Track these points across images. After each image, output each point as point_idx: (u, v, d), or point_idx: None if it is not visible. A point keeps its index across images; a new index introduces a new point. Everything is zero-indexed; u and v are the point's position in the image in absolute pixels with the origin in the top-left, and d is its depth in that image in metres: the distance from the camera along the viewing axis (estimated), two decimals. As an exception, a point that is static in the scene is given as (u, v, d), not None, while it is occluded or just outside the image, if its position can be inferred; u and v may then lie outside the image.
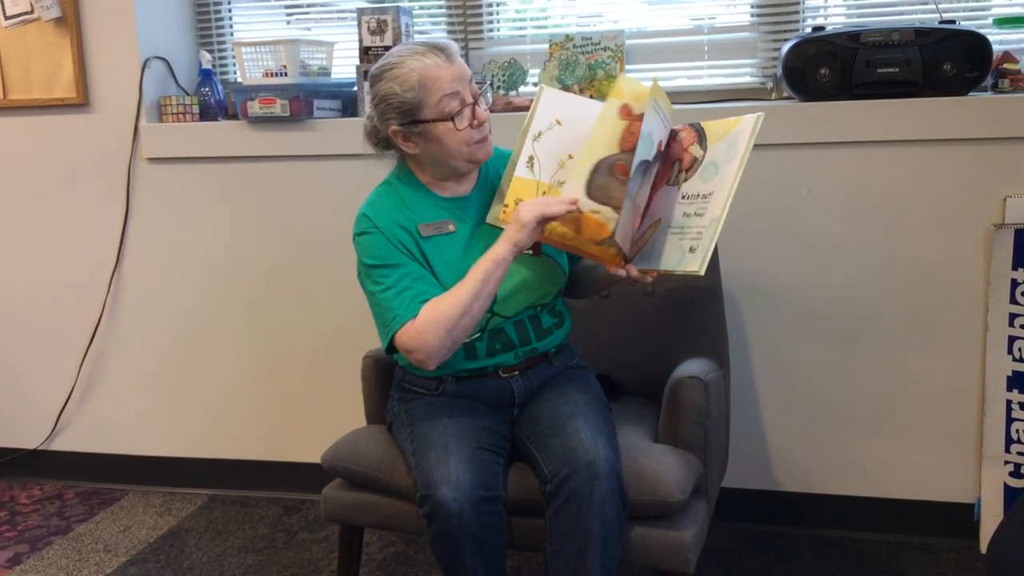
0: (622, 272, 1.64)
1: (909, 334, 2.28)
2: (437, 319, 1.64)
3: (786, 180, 2.29)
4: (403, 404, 1.87)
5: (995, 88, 2.23)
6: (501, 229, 1.69)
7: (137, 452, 2.89)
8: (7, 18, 2.72)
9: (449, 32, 2.66)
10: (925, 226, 2.23)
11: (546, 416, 1.75)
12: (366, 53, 2.53)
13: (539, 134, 1.72)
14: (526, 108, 2.42)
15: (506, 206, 1.72)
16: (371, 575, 2.28)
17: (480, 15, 2.62)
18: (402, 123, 1.71)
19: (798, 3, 2.41)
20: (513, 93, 2.52)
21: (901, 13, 2.37)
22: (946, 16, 2.30)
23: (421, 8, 2.66)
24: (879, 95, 2.17)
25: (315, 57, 2.60)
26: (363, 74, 2.51)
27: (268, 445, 2.79)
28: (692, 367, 1.87)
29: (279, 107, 2.50)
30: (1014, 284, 2.18)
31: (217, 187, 2.68)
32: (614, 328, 2.16)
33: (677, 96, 2.50)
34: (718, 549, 2.33)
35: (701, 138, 1.66)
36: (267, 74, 2.53)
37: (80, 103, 2.71)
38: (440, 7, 2.65)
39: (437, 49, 1.70)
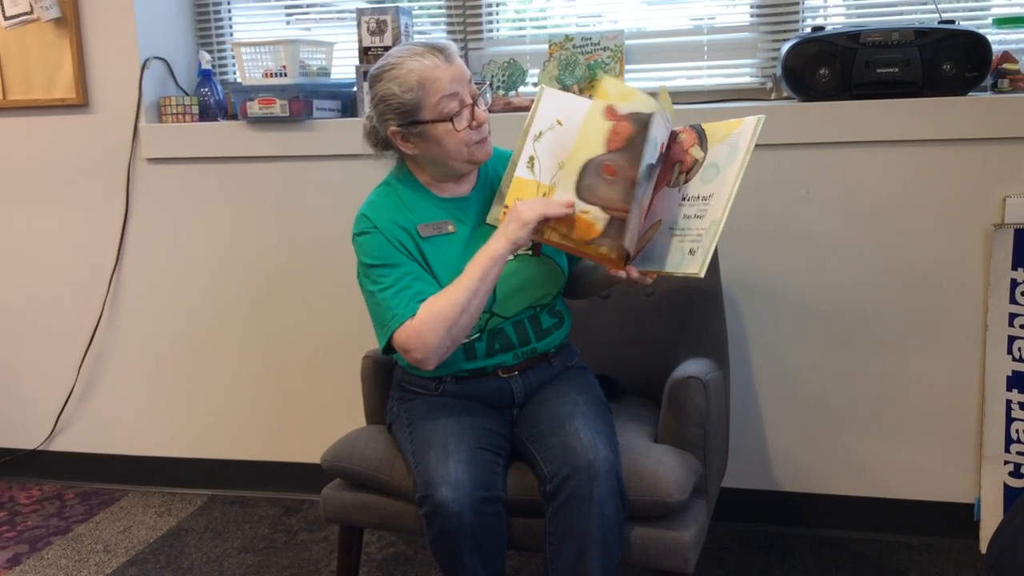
0: (622, 273, 1.64)
1: (909, 334, 2.28)
2: (436, 317, 1.64)
3: (786, 180, 2.29)
4: (403, 404, 1.87)
5: (994, 88, 2.23)
6: None
7: (137, 452, 2.89)
8: (7, 18, 2.72)
9: (449, 32, 2.66)
10: (925, 226, 2.23)
11: (546, 416, 1.75)
12: (366, 53, 2.53)
13: (540, 134, 1.72)
14: (526, 108, 2.42)
15: (506, 206, 1.72)
16: (371, 575, 2.28)
17: (480, 15, 2.62)
18: (401, 124, 1.71)
19: (798, 3, 2.41)
20: (513, 93, 2.52)
21: (901, 13, 2.37)
22: (945, 16, 2.30)
23: (421, 8, 2.66)
24: (879, 95, 2.17)
25: (315, 57, 2.60)
26: (362, 74, 2.51)
27: (268, 445, 2.79)
28: (692, 367, 1.87)
29: (279, 107, 2.50)
30: (1014, 284, 2.18)
31: (217, 187, 2.68)
32: (614, 328, 2.16)
33: (677, 96, 2.50)
34: (718, 549, 2.33)
35: (702, 140, 1.66)
36: (267, 74, 2.53)
37: (80, 103, 2.71)
38: (440, 7, 2.65)
39: (436, 50, 1.70)
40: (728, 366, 2.13)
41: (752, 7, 2.46)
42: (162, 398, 2.84)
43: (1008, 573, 1.52)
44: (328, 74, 2.65)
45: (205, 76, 2.72)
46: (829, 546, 2.33)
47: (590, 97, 2.35)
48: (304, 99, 2.51)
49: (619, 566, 1.67)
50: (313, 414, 2.73)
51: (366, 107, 1.81)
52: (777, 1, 2.43)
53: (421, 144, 1.73)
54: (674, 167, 1.68)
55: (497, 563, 1.68)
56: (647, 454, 1.74)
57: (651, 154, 1.60)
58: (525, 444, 1.75)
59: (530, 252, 1.80)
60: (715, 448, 1.89)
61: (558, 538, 1.62)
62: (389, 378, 1.99)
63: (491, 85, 2.49)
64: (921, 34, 2.12)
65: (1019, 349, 2.19)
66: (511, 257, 1.76)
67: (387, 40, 2.50)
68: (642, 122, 1.61)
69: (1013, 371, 2.20)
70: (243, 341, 2.75)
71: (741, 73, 2.49)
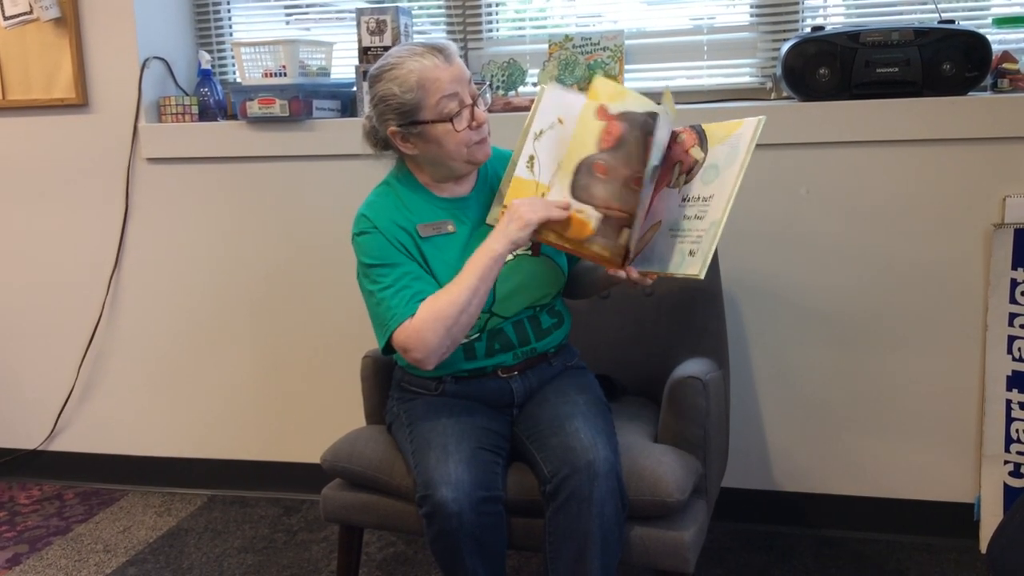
0: (621, 273, 1.64)
1: (909, 334, 2.28)
2: (436, 317, 1.63)
3: (785, 180, 2.29)
4: (402, 404, 1.87)
5: (994, 88, 2.23)
6: None
7: (137, 452, 2.89)
8: (6, 18, 2.72)
9: (448, 32, 2.66)
10: (925, 226, 2.23)
11: (545, 416, 1.75)
12: (365, 53, 2.53)
13: (540, 132, 1.72)
14: (525, 108, 2.42)
15: (506, 207, 1.72)
16: (371, 575, 2.28)
17: (479, 15, 2.62)
18: (401, 124, 1.71)
19: (797, 3, 2.41)
20: (512, 93, 2.51)
21: (900, 13, 2.37)
22: (945, 16, 2.30)
23: (420, 8, 2.66)
24: (878, 95, 2.17)
25: (314, 57, 2.60)
26: (362, 74, 2.51)
27: (268, 445, 2.79)
28: (692, 367, 1.87)
29: (278, 107, 2.50)
30: (1014, 284, 2.18)
31: (216, 187, 2.68)
32: (614, 328, 2.16)
33: (677, 96, 2.50)
34: (718, 549, 2.33)
35: (702, 140, 1.66)
36: (266, 74, 2.53)
37: (79, 103, 2.71)
38: (439, 7, 2.65)
39: (436, 50, 1.69)
40: (728, 366, 2.13)
41: (752, 7, 2.46)
42: (162, 398, 2.84)
43: (1008, 573, 1.52)
44: (328, 74, 2.65)
45: (205, 76, 2.72)
46: (829, 546, 2.33)
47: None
48: (304, 99, 2.51)
49: (619, 566, 1.67)
50: (313, 414, 2.73)
51: (366, 107, 1.81)
52: (777, 1, 2.42)
53: (421, 144, 1.73)
54: (674, 167, 1.68)
55: (497, 563, 1.68)
56: (647, 454, 1.74)
57: (656, 156, 1.61)
58: (525, 444, 1.75)
59: (529, 252, 1.80)
60: (715, 448, 1.89)
61: (558, 538, 1.62)
62: (389, 378, 1.99)
63: (491, 85, 2.49)
64: (921, 34, 2.12)
65: (1019, 349, 2.19)
66: (510, 257, 1.76)
67: (387, 40, 2.50)
68: (633, 121, 1.62)
69: (1013, 371, 2.20)
70: (243, 341, 2.75)
71: (741, 73, 2.49)
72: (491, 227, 1.75)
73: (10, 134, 2.80)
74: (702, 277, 1.56)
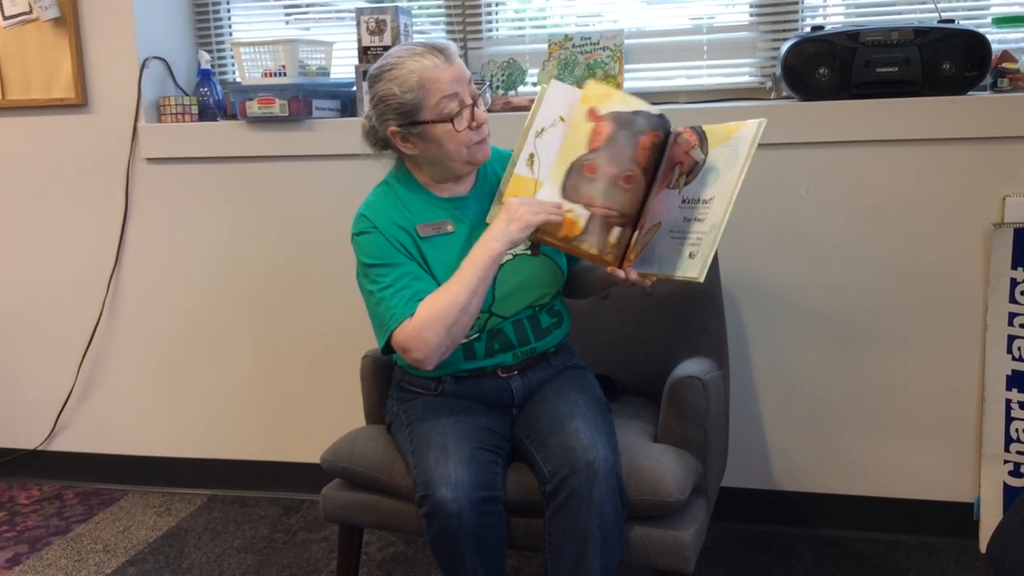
0: (620, 274, 1.65)
1: (909, 333, 2.28)
2: (436, 316, 1.63)
3: (785, 180, 2.29)
4: (402, 404, 1.87)
5: (994, 87, 2.23)
6: None
7: (136, 452, 2.89)
8: (6, 18, 2.72)
9: (448, 32, 2.66)
10: (924, 225, 2.23)
11: (545, 416, 1.75)
12: (365, 53, 2.53)
13: (542, 130, 1.73)
14: (525, 108, 2.42)
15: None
16: (371, 575, 2.28)
17: (479, 15, 2.62)
18: (401, 124, 1.71)
19: (797, 3, 2.41)
20: (512, 93, 2.51)
21: (900, 12, 2.37)
22: (945, 15, 2.30)
23: (420, 8, 2.66)
24: (878, 94, 2.17)
25: (314, 57, 2.60)
26: (362, 74, 2.51)
27: (267, 445, 2.79)
28: (692, 367, 1.86)
29: (278, 107, 2.50)
30: (1013, 283, 2.18)
31: (216, 187, 2.68)
32: (614, 328, 2.16)
33: (677, 96, 2.51)
34: (718, 549, 2.33)
35: (702, 141, 1.66)
36: (266, 74, 2.53)
37: (79, 103, 2.71)
38: (439, 7, 2.65)
39: (436, 50, 1.69)
40: (728, 366, 2.13)
41: (751, 6, 2.46)
42: (162, 398, 2.84)
43: (1008, 572, 1.52)
44: (327, 74, 2.65)
45: (204, 76, 2.72)
46: (829, 546, 2.33)
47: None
48: (303, 99, 2.51)
49: (619, 566, 1.66)
50: (313, 414, 2.73)
51: (365, 107, 1.81)
52: (776, 0, 2.42)
53: (421, 144, 1.73)
54: (674, 168, 1.68)
55: (497, 563, 1.68)
56: (647, 454, 1.74)
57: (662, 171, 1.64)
58: (525, 444, 1.75)
59: (529, 252, 1.80)
60: (715, 448, 1.89)
61: (558, 538, 1.62)
62: (389, 378, 1.99)
63: (490, 85, 2.49)
64: (920, 33, 2.12)
65: (1019, 348, 2.19)
66: (509, 256, 1.77)
67: (386, 40, 2.49)
68: (621, 120, 1.66)
69: (1013, 370, 2.20)
70: (243, 341, 2.75)
71: (741, 73, 2.49)
72: None
73: (10, 134, 2.80)
74: (702, 280, 1.56)
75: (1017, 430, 2.21)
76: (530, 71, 2.56)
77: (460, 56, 1.74)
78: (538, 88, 2.49)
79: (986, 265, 2.20)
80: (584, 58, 2.45)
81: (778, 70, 2.26)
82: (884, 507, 2.36)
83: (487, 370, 1.82)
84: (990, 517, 2.24)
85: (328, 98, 2.60)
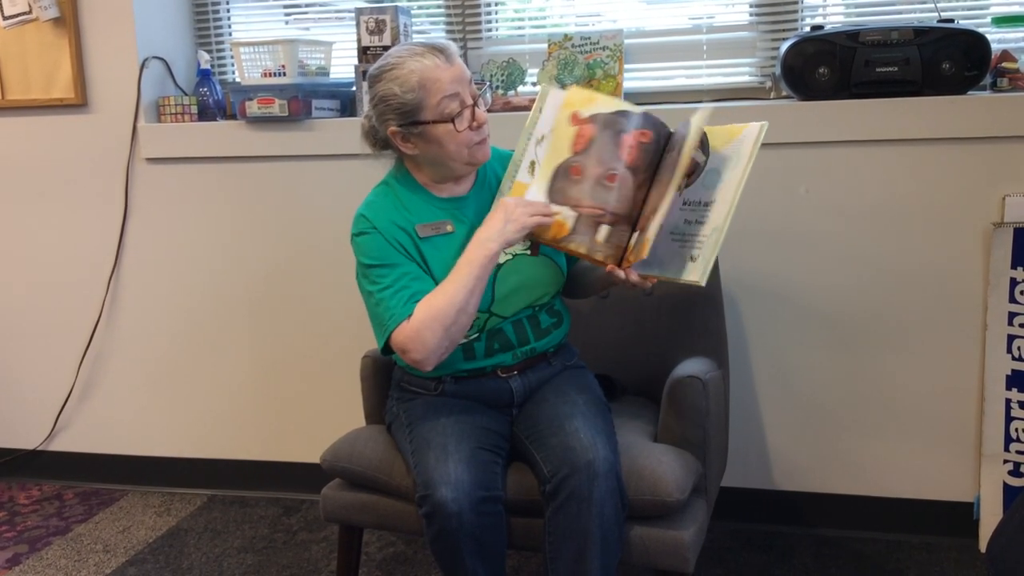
0: (621, 274, 1.65)
1: (908, 333, 2.28)
2: (434, 316, 1.63)
3: (785, 179, 2.29)
4: (402, 404, 1.87)
5: (994, 87, 2.23)
6: None
7: (136, 452, 2.89)
8: (5, 18, 2.72)
9: (448, 32, 2.66)
10: (924, 225, 2.23)
11: (545, 416, 1.75)
12: (364, 53, 2.53)
13: (542, 138, 1.74)
14: (525, 108, 2.42)
15: None
16: (371, 575, 2.28)
17: (479, 15, 2.62)
18: (401, 124, 1.71)
19: (797, 2, 2.41)
20: (512, 93, 2.51)
21: (900, 12, 2.37)
22: (944, 15, 2.30)
23: (420, 8, 2.66)
24: (878, 94, 2.17)
25: (313, 57, 2.60)
26: (361, 74, 2.51)
27: (267, 445, 2.79)
28: (691, 366, 1.87)
29: (277, 107, 2.50)
30: (1013, 283, 2.18)
31: (216, 187, 2.68)
32: (614, 328, 2.16)
33: (676, 96, 2.51)
34: (718, 549, 2.33)
35: (703, 143, 1.66)
36: (265, 74, 2.53)
37: (78, 103, 2.71)
38: (438, 7, 2.65)
39: (437, 50, 1.69)
40: (728, 366, 2.13)
41: (751, 6, 2.46)
42: (162, 398, 2.84)
43: (1008, 571, 1.52)
44: (327, 74, 2.65)
45: (204, 76, 2.72)
46: (829, 546, 2.33)
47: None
48: (303, 99, 2.51)
49: (619, 566, 1.67)
50: (313, 414, 2.73)
51: (365, 107, 1.81)
52: (776, 0, 2.42)
53: (421, 144, 1.73)
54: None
55: (497, 563, 1.68)
56: (647, 454, 1.74)
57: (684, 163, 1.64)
58: (525, 444, 1.75)
59: (528, 252, 1.80)
60: (715, 447, 1.89)
61: (558, 538, 1.62)
62: (388, 378, 1.99)
63: (490, 85, 2.49)
64: (920, 33, 2.12)
65: (1018, 348, 2.19)
66: (509, 256, 1.77)
67: (386, 40, 2.49)
68: (603, 121, 1.69)
69: (1012, 370, 2.20)
70: (242, 341, 2.75)
71: (740, 72, 2.49)
72: None
73: (9, 134, 2.80)
74: (703, 284, 1.56)
75: (1017, 430, 2.21)
76: (530, 71, 2.56)
77: (460, 56, 1.74)
78: (538, 88, 2.49)
79: (986, 265, 2.20)
80: (584, 58, 2.45)
81: (778, 70, 2.26)
82: (884, 507, 2.36)
83: (487, 370, 1.82)
84: (990, 517, 2.24)
85: (328, 98, 2.60)
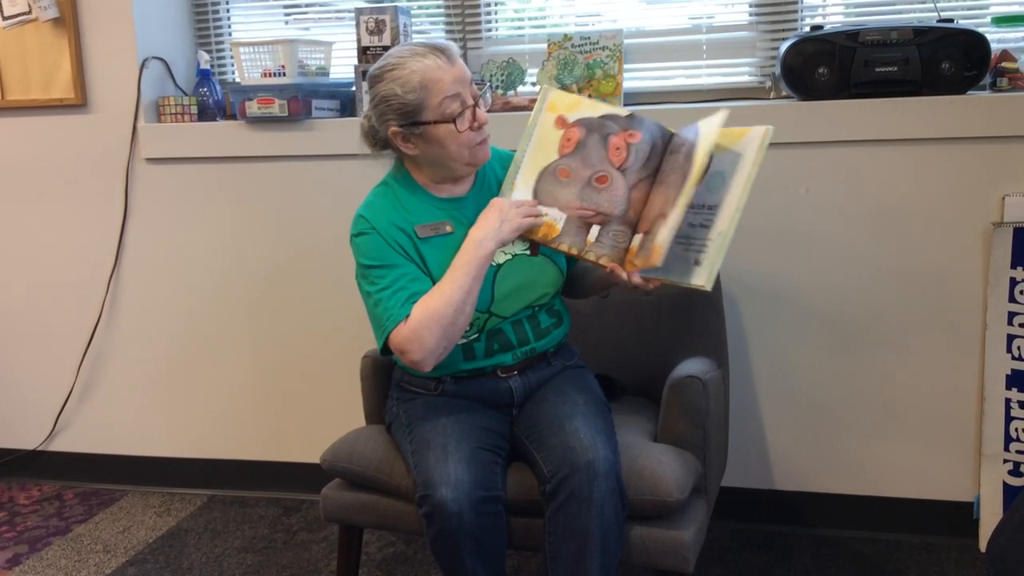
0: (623, 275, 1.65)
1: (908, 333, 2.28)
2: (431, 316, 1.63)
3: (785, 179, 2.29)
4: (402, 404, 1.87)
5: (993, 87, 2.23)
6: None
7: (136, 452, 2.89)
8: (5, 19, 2.72)
9: (447, 32, 2.66)
10: (924, 225, 2.23)
11: (545, 416, 1.75)
12: (364, 53, 2.53)
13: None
14: (524, 108, 2.42)
15: None
16: (371, 575, 2.28)
17: (478, 15, 2.62)
18: (402, 124, 1.71)
19: (796, 2, 2.41)
20: (512, 93, 2.51)
21: (899, 12, 2.37)
22: (944, 15, 2.30)
23: (419, 8, 2.66)
24: (877, 94, 2.17)
25: (313, 57, 2.60)
26: (361, 74, 2.51)
27: (267, 445, 2.79)
28: (691, 366, 1.87)
29: (277, 107, 2.50)
30: (1013, 283, 2.18)
31: (215, 187, 2.68)
32: (614, 328, 2.16)
33: (676, 96, 2.51)
34: (718, 549, 2.33)
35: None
36: (265, 74, 2.53)
37: (78, 103, 2.71)
38: (438, 7, 2.65)
39: (438, 50, 1.69)
40: (728, 366, 2.13)
41: (751, 6, 2.46)
42: (161, 398, 2.84)
43: (1007, 571, 1.52)
44: (327, 74, 2.65)
45: (204, 76, 2.72)
46: (829, 546, 2.33)
47: (590, 96, 2.37)
48: (303, 99, 2.51)
49: (619, 566, 1.67)
50: (313, 414, 2.73)
51: (365, 107, 1.81)
52: (776, 0, 2.42)
53: (422, 145, 1.73)
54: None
55: (497, 563, 1.68)
56: (647, 453, 1.74)
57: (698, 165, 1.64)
58: (525, 444, 1.75)
59: (528, 252, 1.80)
60: (715, 447, 1.89)
61: (558, 538, 1.62)
62: (388, 378, 1.99)
63: (490, 85, 2.49)
64: (920, 33, 2.12)
65: (1018, 348, 2.19)
66: (508, 256, 1.77)
67: (386, 40, 2.49)
68: (590, 125, 1.72)
69: (1012, 370, 2.20)
70: (242, 341, 2.75)
71: (740, 72, 2.49)
72: None
73: (9, 134, 2.80)
74: (709, 288, 1.56)
75: (1017, 429, 2.21)
76: (529, 71, 2.56)
77: (460, 56, 1.74)
78: (538, 88, 2.49)
79: (985, 264, 2.20)
80: (583, 58, 2.45)
81: (777, 70, 2.26)
82: (884, 507, 2.36)
83: (487, 370, 1.82)
84: (990, 516, 2.24)
85: (327, 98, 2.60)
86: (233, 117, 2.68)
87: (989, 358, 2.22)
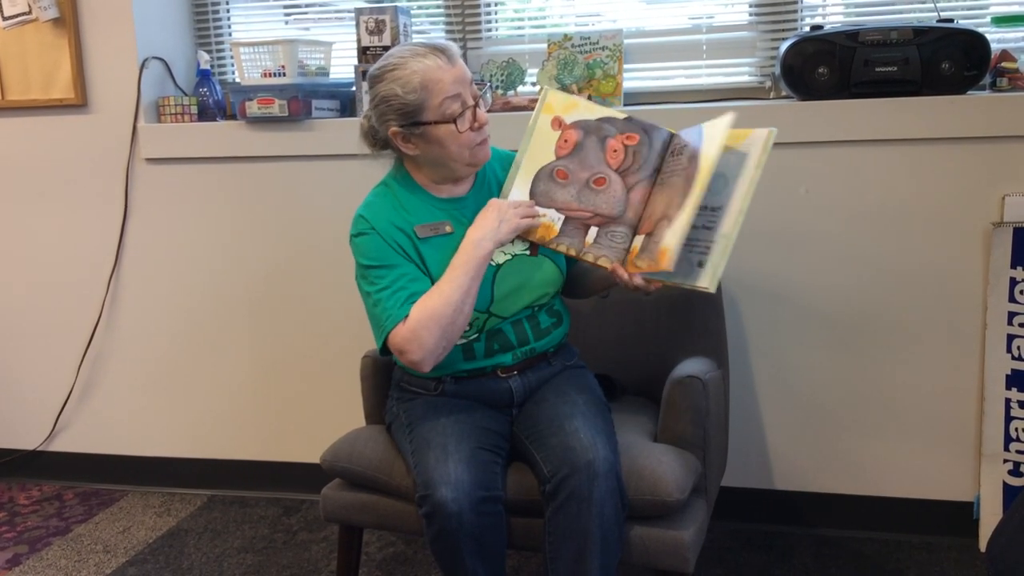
0: (624, 276, 1.65)
1: (908, 333, 2.28)
2: (430, 316, 1.63)
3: (785, 179, 2.29)
4: (402, 404, 1.87)
5: (993, 87, 2.23)
6: None
7: (136, 453, 2.89)
8: (5, 19, 2.72)
9: (447, 32, 2.66)
10: (924, 225, 2.23)
11: (545, 416, 1.75)
12: (364, 53, 2.53)
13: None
14: (524, 108, 2.42)
15: None
16: (370, 575, 2.28)
17: (478, 15, 2.62)
18: (403, 124, 1.71)
19: (796, 2, 2.41)
20: (511, 93, 2.51)
21: (899, 12, 2.37)
22: (944, 15, 2.30)
23: (419, 8, 2.66)
24: (877, 94, 2.17)
25: (313, 57, 2.60)
26: (361, 74, 2.51)
27: (267, 445, 2.79)
28: (691, 366, 1.87)
29: (277, 107, 2.50)
30: (1013, 282, 2.18)
31: (215, 187, 2.68)
32: (614, 328, 2.16)
33: (676, 95, 2.51)
34: (718, 549, 2.33)
35: None
36: (265, 74, 2.53)
37: (78, 104, 2.71)
38: (438, 7, 2.65)
39: (438, 50, 1.69)
40: (728, 366, 2.13)
41: (751, 6, 2.46)
42: (161, 398, 2.84)
43: (1007, 571, 1.52)
44: (327, 74, 2.65)
45: (204, 76, 2.72)
46: (829, 546, 2.33)
47: (589, 98, 2.37)
48: (303, 99, 2.51)
49: (619, 566, 1.67)
50: (313, 414, 2.73)
51: (365, 107, 1.81)
52: (776, 0, 2.42)
53: (422, 145, 1.73)
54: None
55: (497, 563, 1.68)
56: (647, 453, 1.74)
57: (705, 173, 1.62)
58: (525, 444, 1.75)
59: (528, 252, 1.80)
60: (715, 447, 1.89)
61: (558, 538, 1.62)
62: (388, 378, 1.99)
63: (490, 85, 2.49)
64: (920, 33, 2.12)
65: (1018, 348, 2.19)
66: (508, 256, 1.77)
67: (386, 40, 2.49)
68: (588, 127, 1.73)
69: (1012, 370, 2.20)
70: (242, 341, 2.75)
71: (740, 72, 2.49)
72: None
73: (9, 134, 2.80)
74: (713, 290, 1.56)
75: (1017, 429, 2.21)
76: (529, 71, 2.56)
77: (460, 57, 1.74)
78: (538, 89, 2.49)
79: (985, 264, 2.20)
80: (583, 58, 2.45)
81: (777, 70, 2.26)
82: (884, 507, 2.36)
83: (487, 370, 1.82)
84: (990, 516, 2.24)
85: (327, 98, 2.60)
86: (233, 117, 2.68)
87: (989, 358, 2.22)
